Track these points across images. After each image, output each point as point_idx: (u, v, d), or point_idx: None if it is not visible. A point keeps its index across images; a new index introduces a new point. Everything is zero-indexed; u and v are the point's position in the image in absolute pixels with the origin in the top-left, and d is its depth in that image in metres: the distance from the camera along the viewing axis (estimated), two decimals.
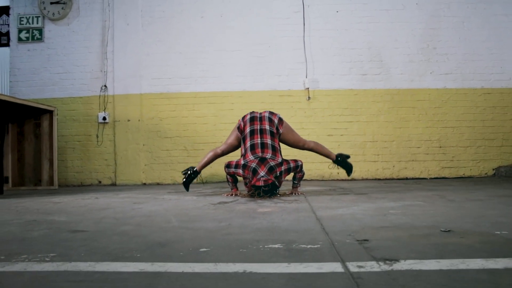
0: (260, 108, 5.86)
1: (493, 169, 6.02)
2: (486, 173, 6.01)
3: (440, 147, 6.00)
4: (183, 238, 1.90)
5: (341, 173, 5.66)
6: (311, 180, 5.92)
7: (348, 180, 5.87)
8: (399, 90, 6.02)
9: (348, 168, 4.12)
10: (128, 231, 2.12)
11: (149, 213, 2.84)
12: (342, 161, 4.12)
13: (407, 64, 6.05)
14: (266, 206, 3.09)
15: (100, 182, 6.09)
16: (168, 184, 5.94)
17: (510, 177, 5.74)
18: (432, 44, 6.08)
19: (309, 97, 5.95)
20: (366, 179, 5.91)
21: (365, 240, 1.70)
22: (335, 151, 5.94)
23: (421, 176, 5.95)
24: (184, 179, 4.08)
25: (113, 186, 5.95)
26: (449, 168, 5.98)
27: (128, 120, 6.07)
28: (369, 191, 4.24)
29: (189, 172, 4.08)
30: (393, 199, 3.35)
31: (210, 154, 4.14)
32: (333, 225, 2.15)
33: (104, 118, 6.07)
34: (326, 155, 4.18)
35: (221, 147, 4.19)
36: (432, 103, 6.02)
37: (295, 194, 3.93)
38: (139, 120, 6.06)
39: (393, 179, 5.93)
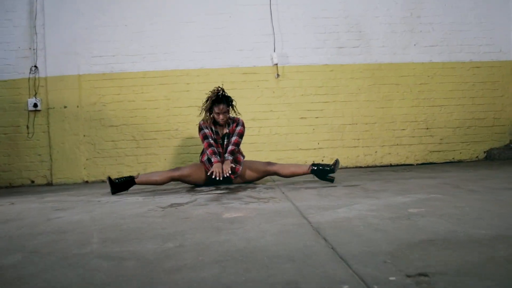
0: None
1: (484, 152, 5.38)
2: (477, 156, 5.36)
3: (427, 128, 5.30)
4: (91, 284, 1.05)
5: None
6: None
7: None
8: (381, 64, 5.27)
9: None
10: (7, 266, 1.27)
11: (66, 227, 2.00)
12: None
13: (388, 35, 5.30)
14: (234, 208, 2.28)
15: (33, 181, 5.10)
16: None
17: (503, 160, 5.10)
18: (416, 13, 5.35)
19: (277, 75, 5.12)
20: (346, 167, 5.15)
21: (421, 275, 0.91)
22: (310, 136, 5.29)
23: (407, 162, 5.24)
24: (117, 180, 3.42)
25: (49, 186, 4.97)
26: (437, 152, 5.29)
27: (65, 107, 5.08)
28: (358, 181, 3.50)
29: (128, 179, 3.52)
30: (398, 192, 2.61)
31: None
32: (344, 241, 1.38)
33: (35, 105, 5.06)
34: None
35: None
36: (417, 79, 5.30)
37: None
38: (77, 107, 5.09)
39: (375, 166, 5.19)
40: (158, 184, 3.63)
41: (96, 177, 5.07)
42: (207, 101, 3.73)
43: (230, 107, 3.77)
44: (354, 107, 5.22)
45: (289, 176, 3.65)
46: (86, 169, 5.08)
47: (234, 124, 3.79)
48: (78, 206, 2.79)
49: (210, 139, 3.68)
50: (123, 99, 5.11)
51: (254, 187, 3.37)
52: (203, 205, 2.51)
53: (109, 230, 1.85)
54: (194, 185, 3.75)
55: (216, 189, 3.39)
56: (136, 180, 3.50)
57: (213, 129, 3.76)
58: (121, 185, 3.42)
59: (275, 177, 4.05)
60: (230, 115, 3.82)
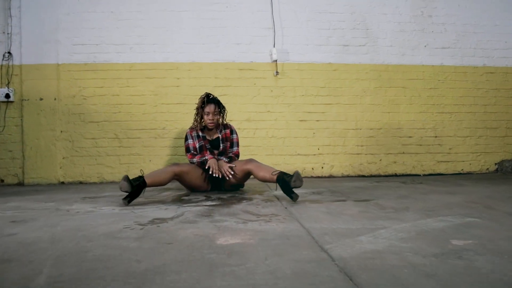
0: (213, 84, 4.57)
1: (496, 164, 5.00)
2: (487, 169, 4.98)
3: (436, 136, 4.90)
4: None
5: (316, 168, 4.47)
6: None
7: (325, 177, 4.67)
8: (388, 66, 4.86)
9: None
10: None
11: (14, 251, 1.61)
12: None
13: (397, 34, 4.90)
14: (230, 229, 1.84)
15: (2, 181, 4.58)
16: (94, 183, 4.53)
17: None
18: (427, 11, 4.96)
19: (277, 72, 4.69)
20: (348, 176, 4.73)
21: None
22: (309, 141, 4.77)
23: (413, 172, 4.84)
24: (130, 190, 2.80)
25: (20, 186, 4.47)
26: (446, 162, 4.91)
27: (41, 99, 4.59)
28: (368, 195, 3.08)
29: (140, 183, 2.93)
30: (423, 212, 2.20)
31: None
32: None
33: (8, 96, 4.55)
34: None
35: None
36: (426, 83, 4.91)
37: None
38: (55, 99, 4.60)
39: (380, 175, 4.78)
40: (162, 185, 3.18)
41: (73, 178, 4.58)
42: (197, 104, 3.54)
43: (220, 112, 3.54)
44: (358, 111, 4.81)
45: (262, 181, 3.21)
46: (62, 169, 4.59)
47: (228, 131, 3.57)
48: (42, 217, 2.33)
49: (193, 151, 3.48)
50: (106, 93, 4.63)
51: (251, 199, 2.93)
52: (191, 222, 2.07)
53: (67, 260, 1.41)
54: (189, 190, 3.40)
55: (207, 199, 2.94)
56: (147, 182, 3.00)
57: (200, 134, 3.50)
58: (136, 192, 2.85)
59: (273, 185, 3.63)
60: (221, 121, 3.58)
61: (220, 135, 3.50)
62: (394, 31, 4.89)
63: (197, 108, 3.50)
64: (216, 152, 3.45)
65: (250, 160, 3.32)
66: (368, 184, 3.91)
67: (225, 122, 3.60)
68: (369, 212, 2.29)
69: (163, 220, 2.15)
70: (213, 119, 3.42)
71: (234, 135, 3.61)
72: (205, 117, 3.43)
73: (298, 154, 4.71)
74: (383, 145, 4.82)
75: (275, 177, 2.94)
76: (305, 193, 3.21)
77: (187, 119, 4.52)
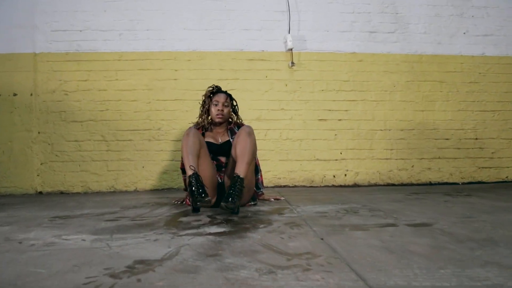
0: (218, 77, 3.87)
1: None
2: None
3: (476, 139, 4.20)
4: None
5: (339, 176, 3.77)
6: (295, 186, 3.97)
7: (349, 186, 3.97)
8: (421, 56, 4.16)
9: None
10: None
11: None
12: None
13: (432, 19, 4.20)
14: (250, 286, 1.12)
15: None
16: (77, 194, 3.84)
17: None
18: None
19: (292, 63, 3.99)
20: (375, 185, 4.03)
21: None
22: (330, 144, 4.00)
23: (450, 180, 4.14)
24: (192, 197, 2.29)
25: None
26: (488, 168, 4.20)
27: (14, 95, 3.90)
28: (418, 213, 2.38)
29: (192, 181, 2.30)
30: None
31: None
32: None
33: None
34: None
35: None
36: (465, 76, 4.21)
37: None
38: (31, 95, 3.91)
39: (412, 184, 4.08)
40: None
41: (52, 187, 3.89)
42: (204, 98, 2.87)
43: (232, 106, 2.87)
44: (387, 109, 4.10)
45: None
46: (40, 176, 3.89)
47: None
48: None
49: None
50: (91, 87, 3.94)
51: (269, 222, 2.23)
52: (189, 271, 1.36)
53: None
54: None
55: (211, 221, 2.23)
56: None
57: (204, 133, 2.80)
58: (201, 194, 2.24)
59: (292, 199, 2.93)
60: (233, 119, 2.91)
61: (230, 138, 2.77)
62: (429, 15, 4.19)
63: (203, 100, 2.83)
64: (223, 162, 2.71)
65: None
66: (407, 197, 3.21)
67: (239, 121, 2.88)
68: (445, 248, 1.59)
69: (148, 264, 1.44)
70: (222, 110, 2.72)
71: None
72: (213, 108, 2.74)
73: (317, 159, 4.01)
74: (415, 148, 4.12)
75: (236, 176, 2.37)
76: (336, 210, 2.51)
77: (187, 118, 3.83)
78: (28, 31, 3.93)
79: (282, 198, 3.00)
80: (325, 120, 4.03)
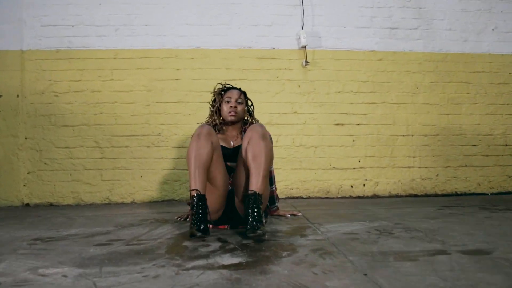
0: (223, 77, 3.51)
1: None
2: None
3: (506, 145, 3.84)
4: None
5: (357, 186, 3.40)
6: (309, 198, 3.60)
7: (368, 197, 3.60)
8: (446, 54, 3.81)
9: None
10: None
11: None
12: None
13: (458, 14, 3.84)
14: None
15: None
16: (68, 206, 3.46)
17: None
18: None
19: (306, 62, 3.62)
20: (397, 196, 3.66)
21: None
22: (348, 151, 3.62)
23: (478, 191, 3.77)
24: (194, 217, 1.96)
25: None
26: None
27: (0, 96, 3.53)
28: (466, 234, 2.00)
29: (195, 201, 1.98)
30: None
31: None
32: None
33: None
34: None
35: None
36: (494, 77, 3.85)
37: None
38: (18, 96, 3.54)
39: (436, 194, 3.71)
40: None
41: (41, 198, 3.51)
42: (214, 96, 2.53)
43: (247, 105, 2.52)
44: (410, 112, 3.74)
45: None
46: (27, 187, 3.52)
47: None
48: None
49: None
50: (84, 88, 3.57)
51: (293, 248, 1.86)
52: None
53: None
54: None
55: (223, 248, 1.86)
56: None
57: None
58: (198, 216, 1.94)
59: (310, 214, 2.56)
60: (247, 119, 2.54)
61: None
62: (454, 10, 3.83)
63: (213, 99, 2.49)
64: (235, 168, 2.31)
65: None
66: (439, 211, 2.84)
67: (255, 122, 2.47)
68: None
69: None
70: (236, 107, 2.36)
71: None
72: (225, 106, 2.37)
73: (334, 168, 3.63)
74: (440, 156, 3.75)
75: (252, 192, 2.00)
76: (367, 230, 2.14)
77: (189, 123, 3.46)
78: (15, 26, 3.56)
79: (300, 214, 2.63)
80: (342, 124, 3.66)
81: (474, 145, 3.79)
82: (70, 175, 3.52)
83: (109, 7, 3.60)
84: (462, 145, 3.78)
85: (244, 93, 2.46)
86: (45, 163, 3.53)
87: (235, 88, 2.44)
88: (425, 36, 3.79)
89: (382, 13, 3.75)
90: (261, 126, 2.14)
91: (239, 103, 2.38)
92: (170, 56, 3.60)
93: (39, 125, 3.54)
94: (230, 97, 2.37)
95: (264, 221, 2.02)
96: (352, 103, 3.68)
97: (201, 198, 1.94)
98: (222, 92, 2.43)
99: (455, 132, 3.77)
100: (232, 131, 2.41)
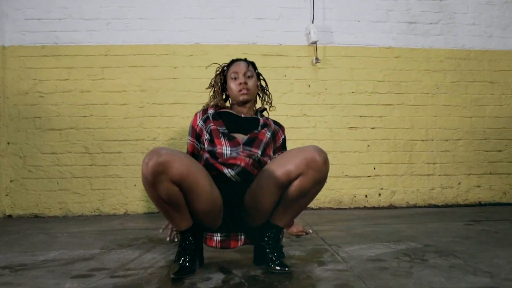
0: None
1: None
2: None
3: None
4: None
5: (372, 195, 3.09)
6: (320, 208, 3.28)
7: (384, 208, 3.27)
8: (469, 51, 3.48)
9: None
10: None
11: None
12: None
13: (482, 7, 3.52)
14: None
15: None
16: (55, 217, 3.15)
17: None
18: None
19: (316, 59, 3.30)
20: (415, 206, 3.34)
21: None
22: (362, 157, 3.30)
23: (504, 200, 3.45)
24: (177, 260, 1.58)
25: None
26: None
27: None
28: (506, 263, 1.65)
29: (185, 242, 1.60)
30: None
31: None
32: None
33: None
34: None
35: None
36: None
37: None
38: None
39: (458, 205, 3.40)
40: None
41: (25, 209, 3.18)
42: (215, 77, 2.00)
43: (259, 80, 2.00)
44: (429, 115, 3.42)
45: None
46: (9, 196, 3.19)
47: (276, 126, 1.97)
48: None
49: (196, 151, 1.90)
50: (72, 88, 3.24)
51: (313, 285, 1.53)
52: None
53: None
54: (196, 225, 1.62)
55: (226, 285, 1.54)
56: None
57: (213, 116, 1.86)
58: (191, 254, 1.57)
59: (325, 232, 2.23)
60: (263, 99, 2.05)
61: (260, 119, 1.90)
62: (479, 3, 3.50)
63: (214, 80, 1.98)
64: (240, 142, 1.73)
65: (289, 173, 1.51)
66: (469, 227, 2.52)
67: (269, 109, 2.04)
68: None
69: None
70: (246, 83, 1.84)
71: (283, 136, 2.01)
72: (232, 84, 1.87)
73: (347, 176, 3.31)
74: (462, 162, 3.43)
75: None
76: (395, 256, 1.83)
77: (188, 126, 3.12)
78: None
79: (311, 231, 2.28)
80: (355, 128, 3.34)
81: (500, 151, 3.47)
82: (57, 183, 3.20)
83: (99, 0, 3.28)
84: (486, 151, 3.45)
85: (253, 64, 1.99)
86: (29, 171, 3.20)
87: (240, 60, 1.94)
88: (446, 31, 3.46)
89: (399, 6, 3.43)
90: (323, 155, 1.47)
91: (249, 76, 1.88)
92: (167, 52, 3.27)
93: (22, 128, 3.21)
94: (236, 72, 1.87)
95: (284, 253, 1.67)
96: (366, 105, 3.35)
97: (193, 234, 1.58)
98: (225, 68, 1.96)
99: (478, 136, 3.45)
100: (244, 106, 1.92)
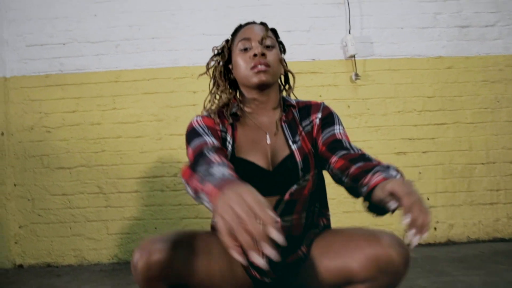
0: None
1: None
2: None
3: None
4: None
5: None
6: None
7: (439, 244, 2.83)
8: None
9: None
10: None
11: None
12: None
13: None
14: None
15: None
16: (69, 266, 2.83)
17: None
18: None
19: (356, 75, 2.86)
20: (477, 241, 2.89)
21: None
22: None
23: None
24: None
25: None
26: None
27: None
28: None
29: None
30: None
31: None
32: None
33: None
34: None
35: None
36: None
37: None
38: (2, 134, 2.90)
39: None
40: None
41: (36, 258, 2.87)
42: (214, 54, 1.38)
43: (280, 47, 1.29)
44: (490, 133, 2.95)
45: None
46: (19, 244, 2.88)
47: (317, 118, 1.24)
48: None
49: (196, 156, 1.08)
50: (81, 121, 2.90)
51: None
52: None
53: None
54: None
55: None
56: None
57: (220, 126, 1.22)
58: None
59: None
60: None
61: (292, 141, 1.20)
62: None
63: (212, 58, 1.38)
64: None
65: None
66: None
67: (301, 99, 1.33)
68: None
69: None
70: (264, 54, 1.17)
71: (338, 127, 1.23)
72: (240, 60, 1.21)
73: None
74: None
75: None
76: None
77: None
78: None
79: None
80: (404, 153, 2.90)
81: None
82: (70, 228, 2.87)
83: (107, 17, 2.90)
84: None
85: (273, 30, 1.29)
86: (39, 215, 2.88)
87: (253, 23, 1.28)
88: (506, 34, 2.98)
89: (448, 7, 2.95)
90: (399, 249, 1.00)
91: (268, 46, 1.20)
92: (184, 75, 2.89)
93: (29, 168, 2.89)
94: (248, 39, 1.20)
95: None
96: (416, 125, 2.90)
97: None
98: (233, 35, 1.31)
99: None
100: (263, 113, 1.25)
